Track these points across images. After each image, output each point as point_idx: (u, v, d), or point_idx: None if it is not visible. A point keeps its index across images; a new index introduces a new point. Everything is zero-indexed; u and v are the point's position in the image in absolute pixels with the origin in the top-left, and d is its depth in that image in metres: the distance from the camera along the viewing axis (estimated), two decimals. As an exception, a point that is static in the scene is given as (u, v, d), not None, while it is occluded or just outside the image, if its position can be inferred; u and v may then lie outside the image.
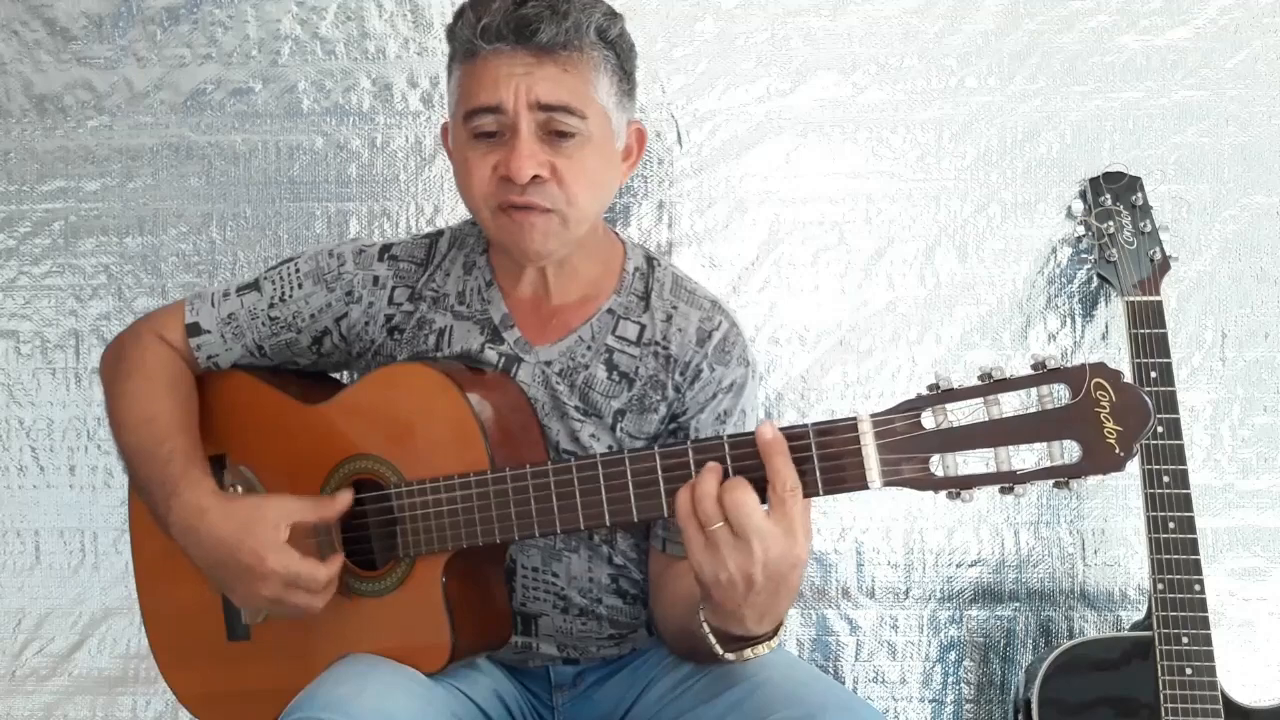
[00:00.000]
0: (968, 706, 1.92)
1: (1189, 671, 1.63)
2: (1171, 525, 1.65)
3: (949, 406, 1.05)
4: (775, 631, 1.19)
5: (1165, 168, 1.88)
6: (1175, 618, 1.64)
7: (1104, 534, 1.90)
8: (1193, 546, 1.65)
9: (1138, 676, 1.65)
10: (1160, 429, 1.67)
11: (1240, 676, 1.76)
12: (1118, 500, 1.89)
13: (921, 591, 1.92)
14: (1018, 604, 1.91)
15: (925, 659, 1.92)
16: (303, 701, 1.22)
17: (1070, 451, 1.03)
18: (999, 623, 1.92)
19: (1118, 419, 1.01)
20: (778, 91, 1.91)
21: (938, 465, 1.06)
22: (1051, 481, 1.04)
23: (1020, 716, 1.72)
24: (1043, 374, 1.03)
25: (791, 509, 1.09)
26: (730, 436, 1.14)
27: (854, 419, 1.09)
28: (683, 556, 1.35)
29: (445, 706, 1.31)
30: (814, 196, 1.91)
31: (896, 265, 1.91)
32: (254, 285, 1.49)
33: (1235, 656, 1.84)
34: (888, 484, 1.09)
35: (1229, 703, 1.63)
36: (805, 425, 1.10)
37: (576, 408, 1.41)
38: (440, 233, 1.52)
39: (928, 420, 1.06)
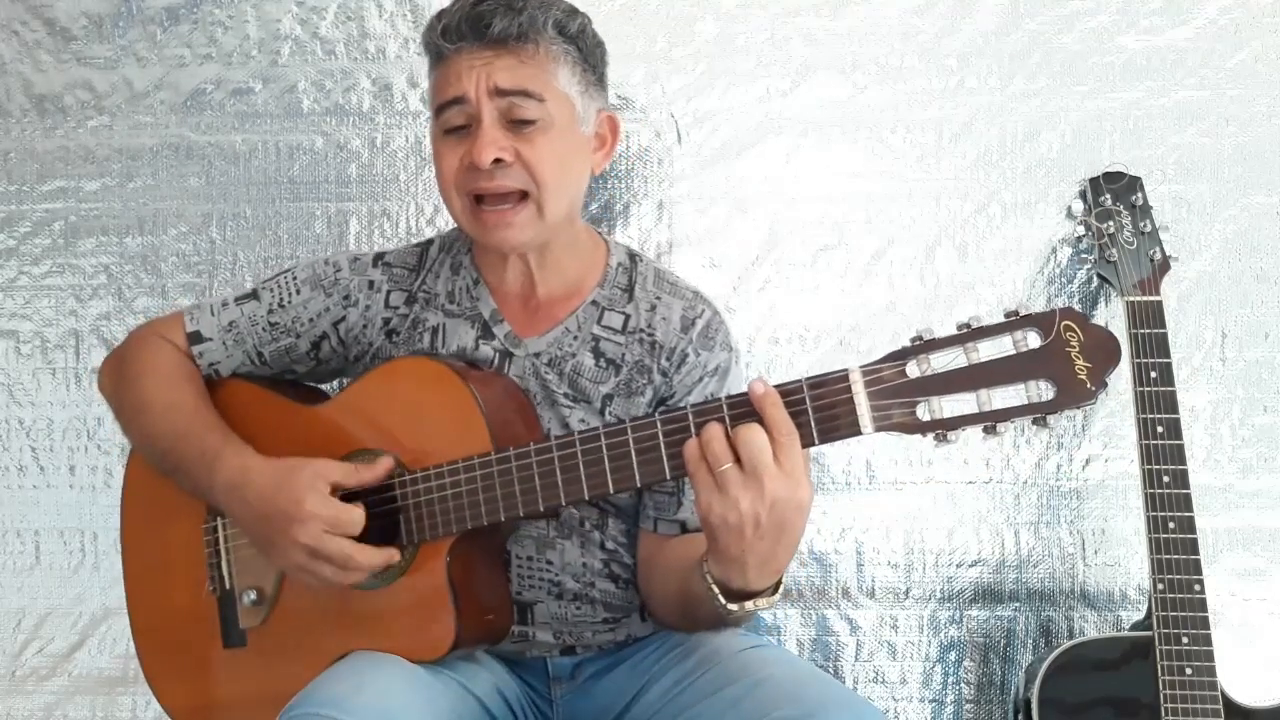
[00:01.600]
0: (968, 706, 1.92)
1: (1189, 671, 1.63)
2: (1171, 525, 1.65)
3: (931, 355, 1.13)
4: (776, 588, 1.22)
5: (1165, 168, 1.88)
6: (1175, 618, 1.64)
7: (1104, 534, 1.90)
8: (1193, 546, 1.65)
9: (1138, 676, 1.65)
10: (1160, 429, 1.67)
11: (1240, 676, 1.76)
12: (1118, 500, 1.89)
13: (921, 591, 1.92)
14: (1018, 604, 1.91)
15: (925, 659, 1.92)
16: (301, 699, 1.22)
17: (1045, 390, 1.10)
18: (999, 623, 1.92)
19: (1087, 356, 1.09)
20: (778, 91, 1.91)
21: (924, 410, 1.13)
22: (1030, 418, 1.11)
23: (1020, 716, 1.72)
24: (1015, 320, 1.11)
25: (792, 452, 1.14)
26: (729, 398, 1.19)
27: (845, 370, 1.16)
28: (674, 534, 1.41)
29: (445, 702, 1.31)
30: (814, 196, 1.91)
31: (896, 265, 1.91)
32: (252, 294, 1.53)
33: (1235, 656, 1.84)
34: (879, 429, 1.15)
35: (1229, 703, 1.63)
36: (799, 380, 1.16)
37: (566, 394, 1.45)
38: (430, 241, 1.57)
39: (912, 369, 1.13)
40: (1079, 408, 1.10)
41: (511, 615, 1.43)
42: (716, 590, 1.21)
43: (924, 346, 1.13)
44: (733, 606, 1.21)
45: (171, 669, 1.52)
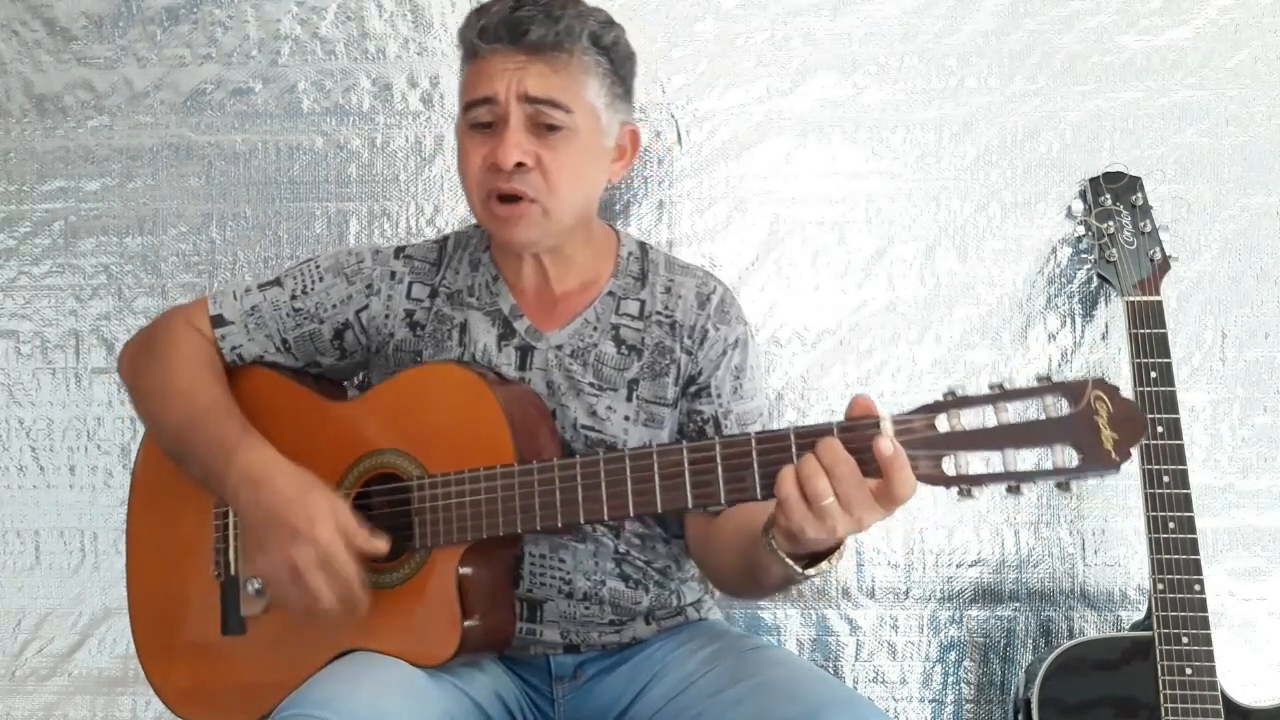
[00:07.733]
0: (968, 706, 1.92)
1: (1189, 671, 1.63)
2: (1171, 525, 1.65)
3: (961, 412, 1.13)
4: (839, 544, 1.21)
5: (1165, 168, 1.88)
6: (1175, 618, 1.64)
7: (1104, 534, 1.90)
8: (1193, 546, 1.65)
9: (1138, 676, 1.65)
10: (1160, 429, 1.67)
11: (1240, 676, 1.76)
12: (1118, 500, 1.89)
13: (921, 591, 1.92)
14: (1018, 604, 1.91)
15: (925, 659, 1.92)
16: (294, 700, 1.23)
17: (1070, 456, 1.10)
18: (999, 623, 1.92)
19: (1114, 427, 1.09)
20: (778, 91, 1.91)
21: (950, 464, 1.14)
22: (1054, 482, 1.11)
23: (1020, 716, 1.72)
24: (1047, 385, 1.11)
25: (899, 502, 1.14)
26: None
27: (876, 419, 1.15)
28: (720, 508, 1.40)
29: (440, 705, 1.31)
30: (814, 196, 1.91)
31: (896, 265, 1.91)
32: (276, 281, 1.56)
33: (1235, 656, 1.84)
34: None
35: (1229, 703, 1.63)
36: (830, 424, 1.16)
37: (591, 384, 1.48)
38: (446, 237, 1.60)
39: (942, 423, 1.14)
40: (1102, 476, 1.11)
41: (515, 626, 1.43)
42: (791, 562, 1.21)
43: (955, 403, 1.13)
44: (810, 572, 1.22)
45: (166, 651, 1.51)
